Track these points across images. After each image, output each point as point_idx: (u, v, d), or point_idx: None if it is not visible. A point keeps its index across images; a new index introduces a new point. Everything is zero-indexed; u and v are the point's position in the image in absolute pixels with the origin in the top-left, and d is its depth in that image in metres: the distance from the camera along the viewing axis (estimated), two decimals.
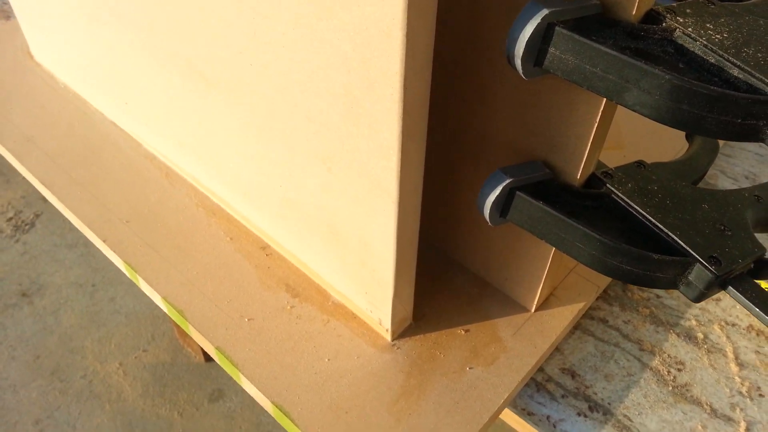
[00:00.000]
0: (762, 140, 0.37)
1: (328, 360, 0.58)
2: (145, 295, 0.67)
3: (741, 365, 0.62)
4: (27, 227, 1.96)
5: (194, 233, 0.69)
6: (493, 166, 0.54)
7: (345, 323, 0.60)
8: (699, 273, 0.45)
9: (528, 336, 0.60)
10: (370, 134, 0.44)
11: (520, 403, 0.58)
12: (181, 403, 1.60)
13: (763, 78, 0.36)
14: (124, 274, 1.03)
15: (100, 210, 0.71)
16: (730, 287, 0.46)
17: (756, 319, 0.65)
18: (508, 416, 0.60)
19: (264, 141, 0.56)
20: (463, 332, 0.60)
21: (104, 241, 0.68)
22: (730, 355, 0.62)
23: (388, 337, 0.59)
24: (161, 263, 0.66)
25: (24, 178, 1.12)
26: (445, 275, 0.64)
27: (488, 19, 0.47)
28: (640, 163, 0.53)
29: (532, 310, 0.62)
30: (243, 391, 1.60)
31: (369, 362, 0.58)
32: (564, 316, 0.61)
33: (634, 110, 0.38)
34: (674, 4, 0.41)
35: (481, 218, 0.51)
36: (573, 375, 0.60)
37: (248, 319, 0.61)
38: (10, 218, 2.05)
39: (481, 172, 0.56)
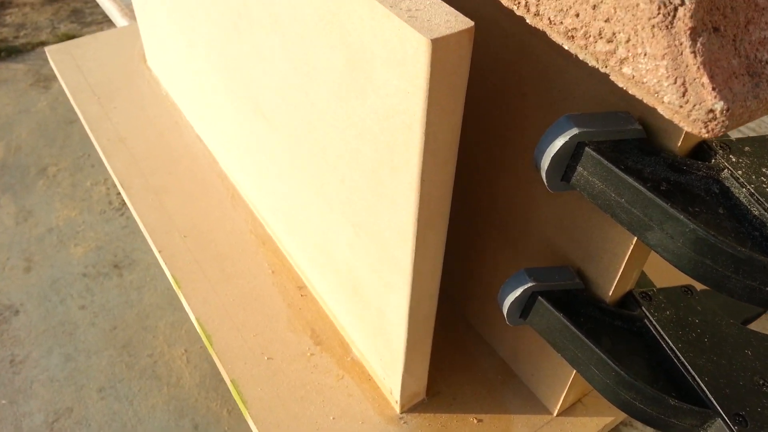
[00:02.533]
0: None
1: (333, 419, 0.57)
2: None
3: None
4: None
5: (241, 259, 0.71)
6: (530, 259, 0.52)
7: (358, 384, 0.60)
8: (719, 430, 0.41)
9: None
10: (391, 214, 0.43)
11: None
12: (232, 402, 1.64)
13: None
14: None
15: (164, 220, 0.75)
16: None
17: None
18: None
19: (308, 188, 0.57)
20: (475, 421, 0.58)
21: (160, 252, 0.71)
22: None
23: (396, 408, 0.58)
24: (203, 282, 0.68)
25: None
26: (471, 354, 0.62)
27: (534, 120, 0.45)
28: (687, 289, 0.49)
29: (555, 414, 0.58)
30: None
31: (371, 431, 0.57)
32: (587, 427, 0.57)
33: (656, 251, 0.35)
34: (733, 139, 0.38)
35: None
36: None
37: (268, 358, 0.62)
38: (119, 193, 2.19)
39: (519, 262, 0.53)
